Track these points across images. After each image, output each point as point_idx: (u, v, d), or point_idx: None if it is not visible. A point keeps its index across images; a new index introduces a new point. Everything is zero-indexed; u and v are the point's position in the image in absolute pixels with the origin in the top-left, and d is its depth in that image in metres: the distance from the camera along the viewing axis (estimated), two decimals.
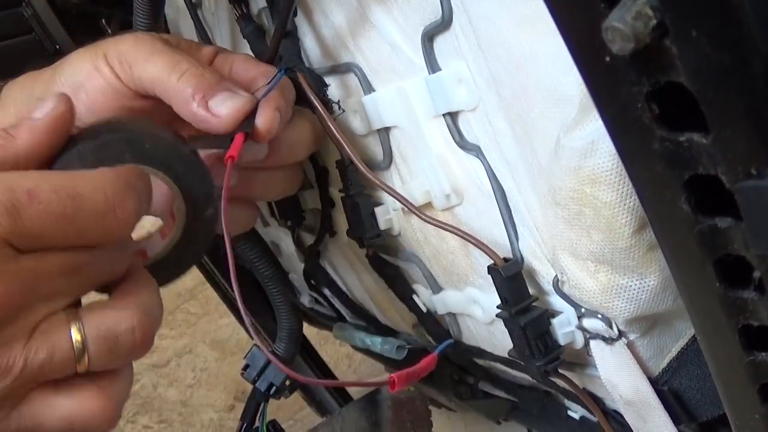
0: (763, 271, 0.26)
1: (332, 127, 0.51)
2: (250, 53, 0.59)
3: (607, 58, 0.24)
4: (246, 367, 0.77)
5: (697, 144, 0.25)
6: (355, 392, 1.01)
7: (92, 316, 0.40)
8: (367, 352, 0.78)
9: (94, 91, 0.50)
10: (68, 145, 0.43)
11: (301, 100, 0.53)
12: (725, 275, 0.28)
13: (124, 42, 0.50)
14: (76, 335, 0.39)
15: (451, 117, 0.49)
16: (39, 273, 0.38)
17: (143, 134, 0.45)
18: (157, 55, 0.49)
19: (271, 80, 0.50)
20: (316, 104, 0.51)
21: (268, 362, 0.76)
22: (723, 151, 0.24)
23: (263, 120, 0.48)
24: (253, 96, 0.49)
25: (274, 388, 0.76)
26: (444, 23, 0.45)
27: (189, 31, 0.72)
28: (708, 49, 0.22)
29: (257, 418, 0.78)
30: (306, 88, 0.51)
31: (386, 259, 0.63)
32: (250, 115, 0.48)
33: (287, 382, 0.78)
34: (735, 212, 0.25)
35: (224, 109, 0.48)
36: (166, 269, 0.48)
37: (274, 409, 0.82)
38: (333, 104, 0.56)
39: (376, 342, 0.69)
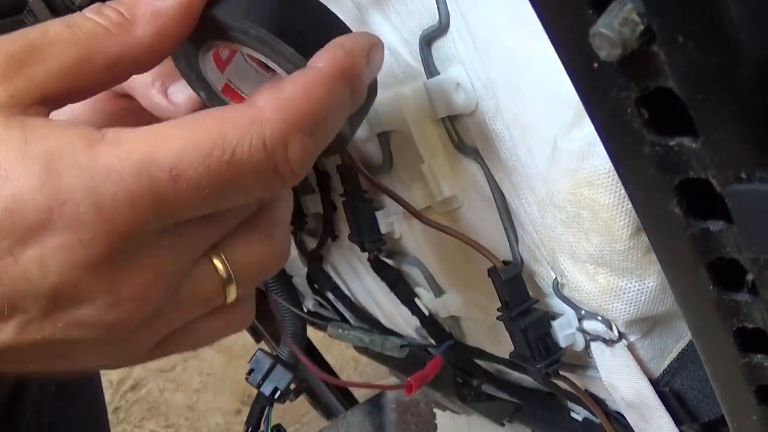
0: (756, 273, 0.26)
1: None
2: None
3: (596, 65, 0.24)
4: (251, 371, 0.77)
5: (687, 148, 0.25)
6: (360, 395, 1.01)
7: (237, 248, 0.35)
8: (369, 353, 0.78)
9: None
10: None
11: None
12: (719, 278, 0.28)
13: None
14: (223, 274, 0.34)
15: (450, 121, 0.49)
16: (185, 242, 0.32)
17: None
18: None
19: None
20: None
21: (273, 366, 0.76)
22: (712, 155, 0.24)
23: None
24: None
25: (278, 392, 0.77)
26: (441, 28, 0.45)
27: None
28: (695, 54, 0.22)
29: (262, 422, 0.78)
30: None
31: (388, 262, 0.63)
32: None
33: (292, 386, 0.78)
34: (726, 216, 0.25)
35: (181, 97, 0.44)
36: None
37: (280, 413, 0.83)
38: None
39: (376, 340, 0.69)
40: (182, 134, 0.30)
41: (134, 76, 0.39)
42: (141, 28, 0.33)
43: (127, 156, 0.29)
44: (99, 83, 0.34)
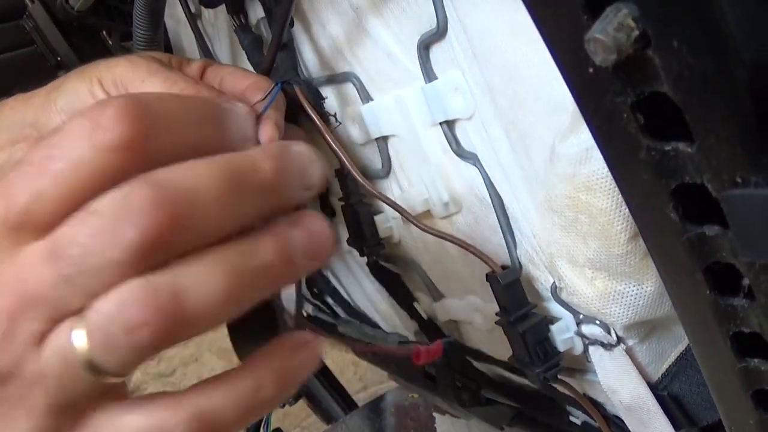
0: (752, 278, 0.26)
1: (329, 138, 0.51)
2: (248, 64, 0.59)
3: (591, 70, 0.24)
4: None
5: (683, 153, 0.25)
6: (360, 400, 1.01)
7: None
8: (368, 357, 0.78)
9: None
10: None
11: (298, 111, 0.53)
12: (715, 283, 0.28)
13: (117, 65, 0.50)
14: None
15: (448, 125, 0.49)
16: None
17: None
18: (153, 77, 0.49)
19: (268, 93, 0.50)
20: (313, 115, 0.51)
21: None
22: (708, 160, 0.24)
23: (265, 134, 0.47)
24: (251, 108, 0.49)
25: None
26: (439, 32, 0.46)
27: (189, 42, 0.73)
28: (690, 59, 0.22)
29: (262, 425, 0.78)
30: (302, 99, 0.51)
31: (387, 267, 0.63)
32: None
33: None
34: (722, 220, 0.25)
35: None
36: None
37: (280, 417, 0.83)
38: (330, 117, 0.56)
39: (378, 335, 0.69)
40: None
41: None
42: None
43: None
44: None
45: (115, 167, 0.28)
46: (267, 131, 0.46)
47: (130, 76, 0.49)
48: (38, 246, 0.28)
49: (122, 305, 0.27)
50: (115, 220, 0.27)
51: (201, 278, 0.28)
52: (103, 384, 0.30)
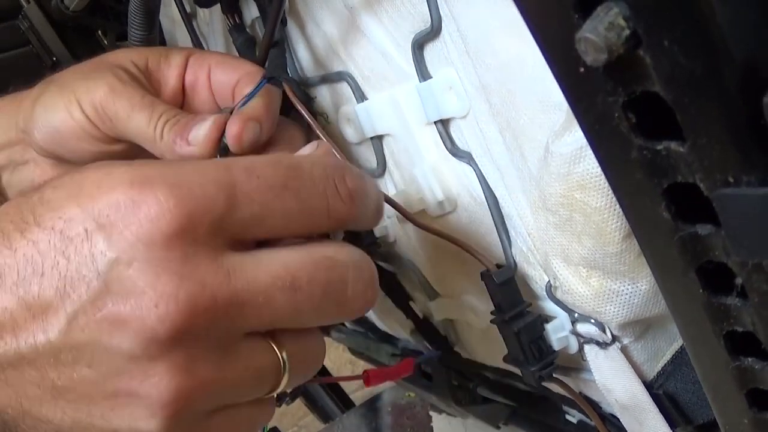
0: (745, 277, 0.26)
1: (321, 134, 0.51)
2: None
3: (582, 69, 0.24)
4: None
5: (675, 152, 0.25)
6: (358, 398, 1.01)
7: (289, 340, 0.35)
8: (364, 356, 0.79)
9: (70, 136, 0.50)
10: None
11: (289, 109, 0.53)
12: (708, 282, 0.28)
13: (97, 89, 0.50)
14: (280, 355, 0.34)
15: (443, 124, 0.49)
16: (250, 279, 0.32)
17: None
18: (137, 112, 0.49)
19: (255, 88, 0.49)
20: (304, 113, 0.51)
21: None
22: (700, 159, 0.24)
23: (231, 133, 0.48)
24: (220, 115, 0.49)
25: None
26: (433, 31, 0.46)
27: (184, 42, 0.73)
28: (681, 58, 0.22)
29: None
30: (291, 96, 0.51)
31: (383, 266, 0.63)
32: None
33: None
34: (715, 219, 0.25)
35: (201, 137, 0.48)
36: None
37: (277, 416, 0.82)
38: (320, 117, 0.56)
39: (371, 346, 0.69)
40: (252, 156, 0.39)
41: (157, 143, 0.49)
42: None
43: (207, 162, 0.34)
44: None
45: None
46: (234, 127, 0.47)
47: (112, 108, 0.49)
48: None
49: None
50: None
51: None
52: None
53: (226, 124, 0.48)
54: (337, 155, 0.51)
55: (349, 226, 0.37)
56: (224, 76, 0.52)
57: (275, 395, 0.37)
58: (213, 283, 0.31)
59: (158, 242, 0.30)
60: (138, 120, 0.49)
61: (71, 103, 0.50)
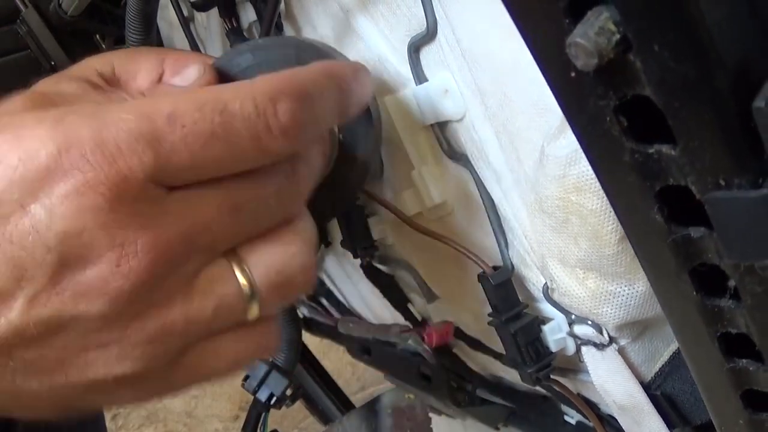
0: (737, 279, 0.26)
1: None
2: None
3: (573, 74, 0.24)
4: (246, 377, 0.77)
5: (666, 155, 0.25)
6: (358, 401, 1.01)
7: (258, 256, 0.35)
8: (365, 359, 0.79)
9: None
10: None
11: None
12: (701, 284, 0.28)
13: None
14: (243, 281, 0.34)
15: (439, 127, 0.49)
16: (194, 214, 0.32)
17: (313, 44, 0.44)
18: None
19: None
20: None
21: (269, 372, 0.76)
22: (691, 162, 0.24)
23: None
24: None
25: (274, 397, 0.77)
26: (429, 34, 0.46)
27: (182, 45, 0.73)
28: (671, 62, 0.22)
29: (259, 427, 0.78)
30: None
31: (380, 268, 0.63)
32: None
33: (288, 392, 0.78)
34: (707, 222, 0.25)
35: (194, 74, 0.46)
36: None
37: (278, 418, 0.82)
38: None
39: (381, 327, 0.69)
40: (179, 92, 0.35)
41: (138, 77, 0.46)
42: None
43: (130, 106, 0.32)
44: None
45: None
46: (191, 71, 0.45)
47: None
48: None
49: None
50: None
51: None
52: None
53: None
54: None
55: (294, 156, 0.36)
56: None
57: (258, 322, 0.36)
58: (164, 228, 0.31)
59: (104, 207, 0.30)
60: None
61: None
